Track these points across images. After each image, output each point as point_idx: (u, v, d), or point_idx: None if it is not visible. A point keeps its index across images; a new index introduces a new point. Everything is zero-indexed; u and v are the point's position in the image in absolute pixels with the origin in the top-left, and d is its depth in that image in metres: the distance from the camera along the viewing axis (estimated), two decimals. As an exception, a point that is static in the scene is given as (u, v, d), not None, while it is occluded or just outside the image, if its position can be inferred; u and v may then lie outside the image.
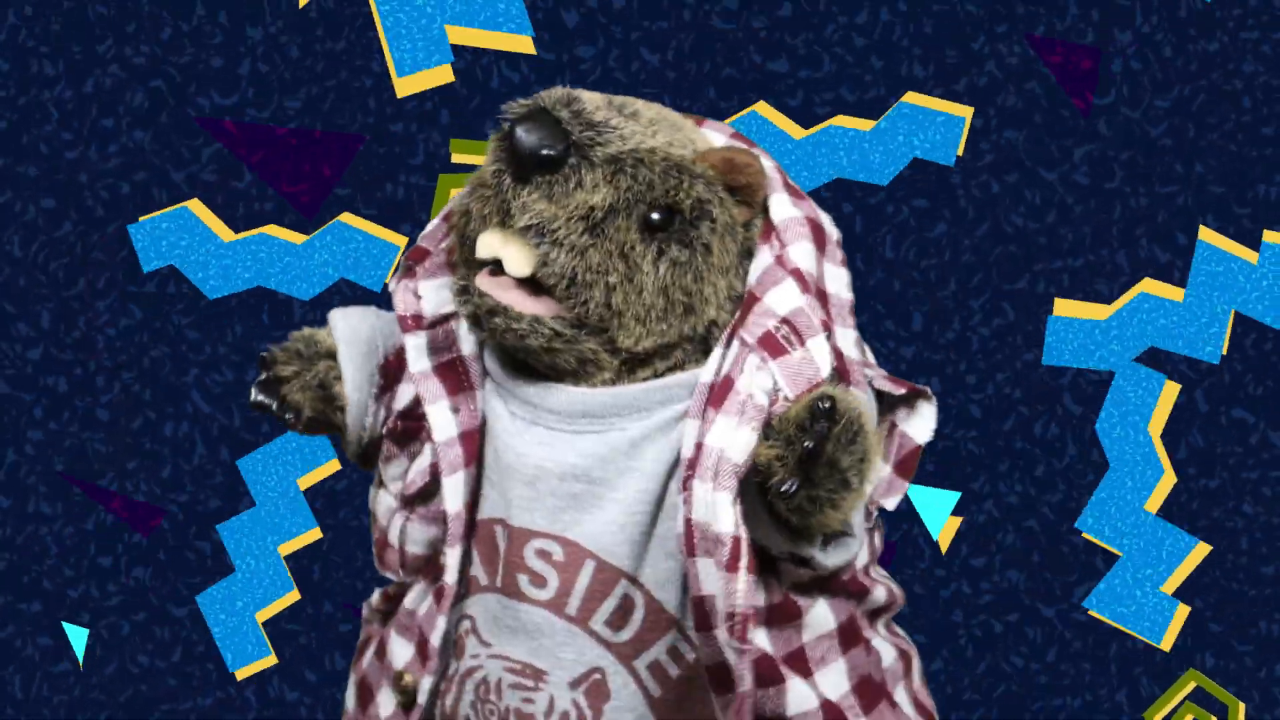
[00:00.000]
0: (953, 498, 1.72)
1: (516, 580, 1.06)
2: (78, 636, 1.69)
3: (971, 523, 1.72)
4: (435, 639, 1.09)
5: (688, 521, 0.98)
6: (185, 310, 1.69)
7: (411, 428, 1.11)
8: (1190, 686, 1.72)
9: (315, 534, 1.69)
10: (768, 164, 1.08)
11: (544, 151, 0.99)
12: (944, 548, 1.72)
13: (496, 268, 1.03)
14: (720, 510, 0.97)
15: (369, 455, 1.14)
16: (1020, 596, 1.72)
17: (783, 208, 1.07)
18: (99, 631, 1.70)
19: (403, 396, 1.11)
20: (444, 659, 1.10)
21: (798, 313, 1.02)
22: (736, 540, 0.98)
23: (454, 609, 1.09)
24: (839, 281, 1.09)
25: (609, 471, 1.04)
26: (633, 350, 1.04)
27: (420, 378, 1.08)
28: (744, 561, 0.98)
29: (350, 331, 1.11)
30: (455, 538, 1.07)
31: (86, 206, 1.69)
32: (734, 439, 0.98)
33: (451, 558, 1.07)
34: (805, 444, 0.97)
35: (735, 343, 1.03)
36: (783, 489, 0.98)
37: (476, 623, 1.08)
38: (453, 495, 1.06)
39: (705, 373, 1.03)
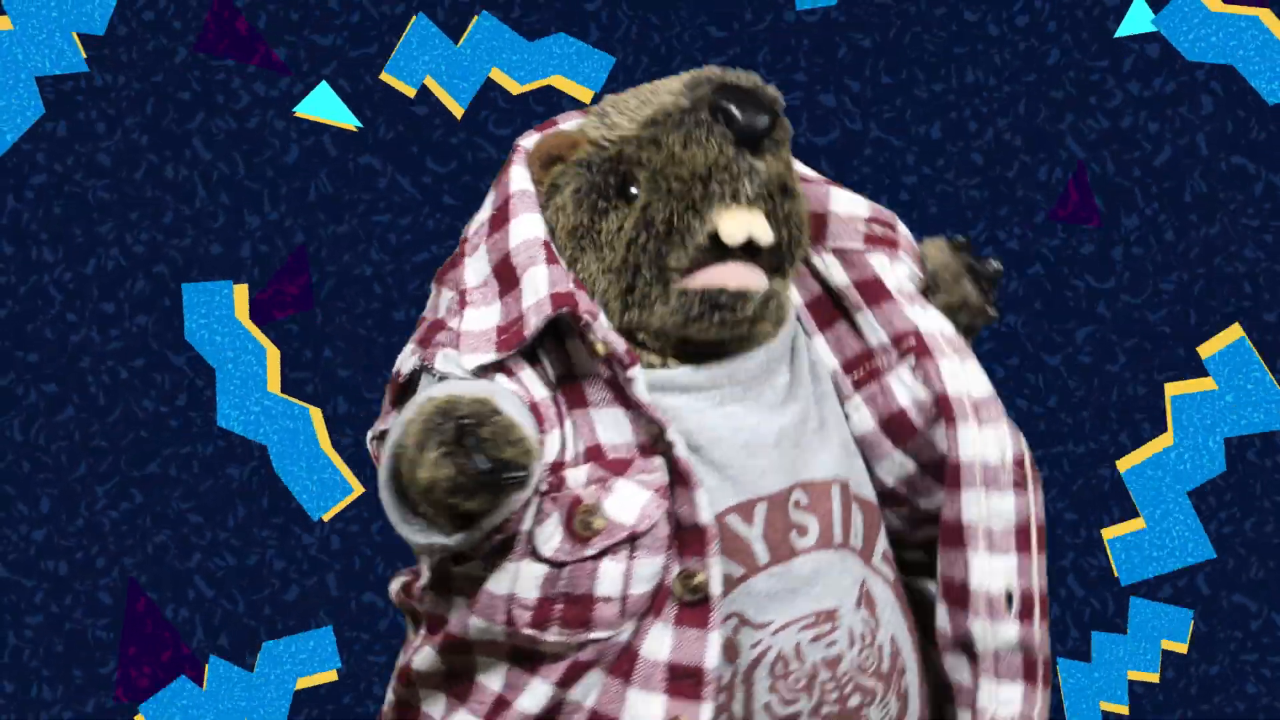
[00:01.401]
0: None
1: (788, 541, 1.08)
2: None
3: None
4: (711, 659, 1.05)
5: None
6: (185, 495, 1.69)
7: (556, 481, 1.06)
8: None
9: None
10: None
11: (769, 121, 1.06)
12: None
13: (736, 252, 1.05)
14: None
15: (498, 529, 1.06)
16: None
17: None
18: (101, 815, 1.71)
19: (549, 450, 1.06)
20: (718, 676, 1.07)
21: (874, 208, 1.15)
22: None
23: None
24: None
25: (818, 404, 1.12)
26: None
27: (652, 408, 1.05)
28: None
29: (497, 386, 1.05)
30: (716, 547, 1.05)
31: (90, 393, 1.69)
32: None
33: (715, 568, 1.05)
34: (993, 265, 1.16)
35: (827, 255, 1.14)
36: (994, 276, 1.16)
37: (746, 615, 1.07)
38: (706, 507, 1.05)
39: (794, 295, 1.13)
